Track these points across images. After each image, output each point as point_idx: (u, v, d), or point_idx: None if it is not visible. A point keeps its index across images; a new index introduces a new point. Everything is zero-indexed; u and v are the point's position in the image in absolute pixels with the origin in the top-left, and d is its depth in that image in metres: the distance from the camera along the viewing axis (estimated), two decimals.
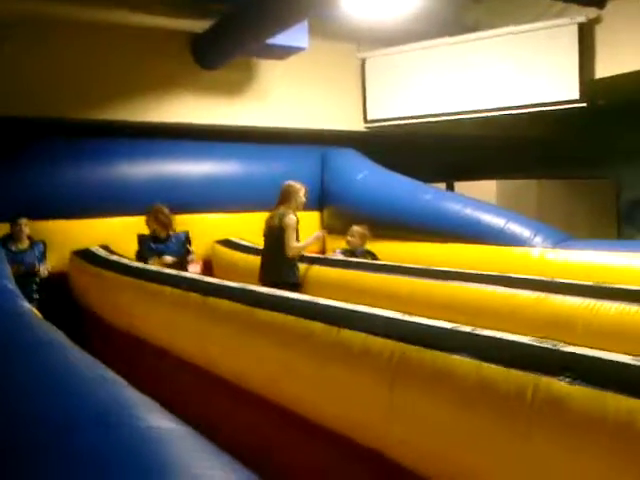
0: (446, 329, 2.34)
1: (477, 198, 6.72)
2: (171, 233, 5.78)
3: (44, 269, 5.58)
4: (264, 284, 4.58)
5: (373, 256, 5.88)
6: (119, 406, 1.58)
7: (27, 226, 5.62)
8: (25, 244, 5.61)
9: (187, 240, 5.94)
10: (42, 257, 5.67)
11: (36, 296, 5.41)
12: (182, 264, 5.60)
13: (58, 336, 2.53)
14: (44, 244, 5.73)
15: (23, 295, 4.76)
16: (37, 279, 5.50)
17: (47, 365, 2.02)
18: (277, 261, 5.04)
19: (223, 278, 4.46)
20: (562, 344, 2.09)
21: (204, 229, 6.79)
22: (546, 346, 2.08)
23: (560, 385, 1.88)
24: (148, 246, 5.65)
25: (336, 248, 6.23)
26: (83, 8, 5.70)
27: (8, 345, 2.33)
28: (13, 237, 5.58)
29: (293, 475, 2.90)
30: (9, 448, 1.35)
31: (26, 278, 5.35)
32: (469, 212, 6.30)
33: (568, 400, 1.85)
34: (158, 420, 1.48)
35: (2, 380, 1.86)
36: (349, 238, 5.87)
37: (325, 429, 2.62)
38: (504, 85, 7.30)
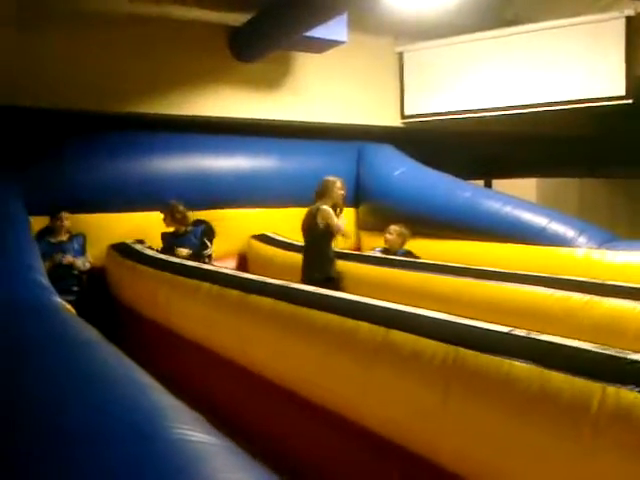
0: (502, 333, 2.24)
1: (516, 196, 6.56)
2: (189, 228, 6.00)
3: (83, 262, 5.58)
4: (303, 281, 4.57)
5: (413, 257, 5.76)
6: (152, 415, 1.53)
7: (68, 220, 5.63)
8: (64, 237, 5.63)
9: (203, 234, 6.06)
10: (82, 250, 5.68)
11: (75, 289, 5.42)
12: (198, 256, 5.70)
13: (90, 334, 2.50)
14: (84, 237, 5.75)
15: (62, 287, 4.81)
16: (76, 272, 5.51)
17: (78, 366, 1.99)
18: (314, 256, 5.03)
19: (258, 273, 4.42)
20: (629, 352, 1.98)
21: (240, 224, 6.76)
22: (612, 353, 1.97)
23: (629, 395, 1.78)
24: (169, 242, 5.89)
25: (374, 247, 6.13)
26: (125, 2, 5.70)
27: (38, 343, 2.29)
28: (53, 230, 5.60)
29: (334, 477, 2.83)
30: (39, 456, 1.31)
31: (65, 270, 5.38)
32: (509, 210, 6.14)
33: (638, 411, 1.74)
34: (192, 431, 1.43)
35: (33, 380, 1.81)
36: (387, 236, 5.76)
37: (370, 433, 2.54)
38: (545, 80, 7.11)
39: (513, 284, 4.05)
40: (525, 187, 7.37)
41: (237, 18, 6.39)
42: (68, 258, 5.45)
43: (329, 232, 5.01)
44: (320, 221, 4.97)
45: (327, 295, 3.14)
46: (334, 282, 4.86)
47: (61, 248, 5.50)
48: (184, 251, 5.69)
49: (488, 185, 8.06)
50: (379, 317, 2.60)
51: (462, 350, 2.17)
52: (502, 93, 7.31)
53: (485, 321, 2.42)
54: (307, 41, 6.48)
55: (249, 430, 3.22)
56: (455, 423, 2.13)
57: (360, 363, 2.57)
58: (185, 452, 1.31)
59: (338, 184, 5.18)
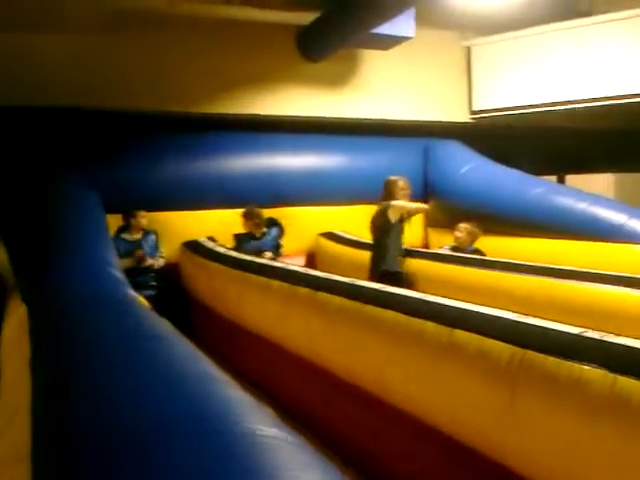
0: (572, 334, 2.20)
1: (592, 192, 6.35)
2: (265, 231, 6.21)
3: (157, 259, 5.78)
4: (371, 276, 4.66)
5: (481, 255, 5.67)
6: (223, 409, 1.58)
7: (145, 218, 5.80)
8: (139, 234, 5.82)
9: (279, 236, 6.29)
10: (155, 246, 5.87)
11: (153, 283, 5.62)
12: (276, 259, 5.86)
13: (160, 326, 2.60)
14: (156, 234, 5.92)
15: (141, 283, 5.03)
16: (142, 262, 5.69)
17: (151, 358, 2.06)
18: (382, 250, 5.09)
19: (326, 271, 4.46)
20: None
21: (307, 222, 6.85)
22: None
23: None
24: (247, 244, 6.00)
25: (442, 245, 6.08)
26: (195, 5, 5.87)
27: (114, 335, 2.40)
28: (128, 227, 5.81)
29: (399, 475, 2.85)
30: (114, 446, 1.38)
31: (143, 267, 5.60)
32: (584, 207, 5.96)
33: None
34: (262, 425, 1.47)
35: (108, 371, 1.91)
36: (457, 234, 5.68)
37: (436, 431, 2.56)
38: (622, 72, 6.84)
39: (589, 283, 3.95)
40: (601, 183, 7.12)
41: (304, 17, 6.47)
42: (147, 260, 5.64)
43: (400, 227, 5.09)
44: (392, 216, 5.05)
45: (394, 293, 3.15)
46: (399, 277, 4.91)
47: (138, 246, 5.69)
48: (268, 254, 5.91)
49: (561, 181, 7.83)
50: (444, 316, 2.60)
51: (529, 352, 2.15)
52: (575, 86, 7.08)
53: (557, 322, 2.39)
54: (374, 38, 6.49)
55: (318, 425, 3.29)
56: (521, 425, 2.12)
57: (426, 362, 2.59)
58: (254, 447, 1.35)
59: (400, 184, 5.22)
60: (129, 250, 5.60)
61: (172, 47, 6.30)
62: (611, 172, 7.22)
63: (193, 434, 1.39)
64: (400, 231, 5.14)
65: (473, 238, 5.64)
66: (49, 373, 1.99)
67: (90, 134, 6.20)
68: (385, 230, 5.10)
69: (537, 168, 7.28)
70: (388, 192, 5.23)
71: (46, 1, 4.97)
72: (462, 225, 5.67)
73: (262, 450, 1.34)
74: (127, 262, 5.40)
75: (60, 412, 1.64)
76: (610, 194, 6.89)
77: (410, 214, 5.23)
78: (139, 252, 5.59)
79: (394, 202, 5.11)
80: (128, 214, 5.76)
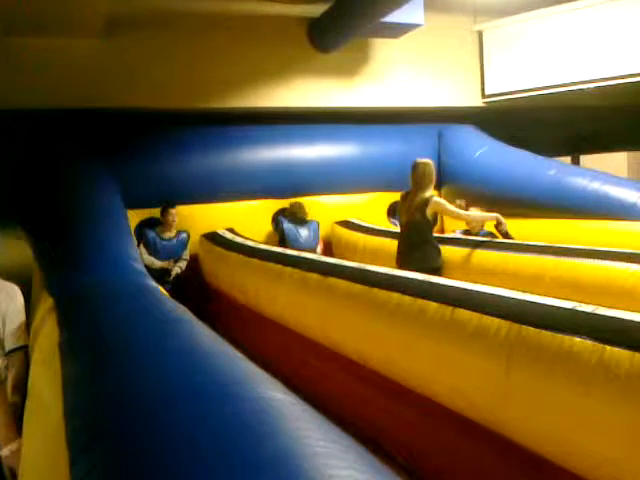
0: (565, 309, 2.29)
1: (606, 172, 6.34)
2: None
3: (178, 266, 5.95)
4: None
5: (494, 237, 5.73)
6: (240, 379, 1.70)
7: (173, 215, 5.94)
8: (172, 233, 5.99)
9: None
10: (184, 247, 6.04)
11: (168, 279, 5.81)
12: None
13: (182, 312, 2.74)
14: (188, 235, 6.08)
15: (160, 276, 5.19)
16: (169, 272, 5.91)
17: (169, 340, 2.20)
18: (422, 247, 4.82)
19: (343, 259, 4.57)
20: None
21: (323, 211, 6.95)
22: None
23: None
24: (290, 231, 6.38)
25: (454, 229, 6.15)
26: (207, 1, 5.99)
27: (132, 323, 2.55)
28: (160, 223, 5.99)
29: (406, 448, 2.97)
30: (141, 413, 1.51)
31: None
32: (597, 186, 5.98)
33: None
34: (275, 392, 1.58)
35: (126, 355, 2.05)
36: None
37: (440, 405, 2.67)
38: (634, 50, 6.78)
39: (601, 261, 3.98)
40: (615, 162, 7.10)
41: (315, 9, 6.56)
42: (175, 270, 5.87)
43: (435, 221, 4.90)
44: (430, 212, 4.77)
45: (398, 276, 3.26)
46: (440, 271, 4.74)
47: (169, 246, 5.91)
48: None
49: (576, 161, 7.81)
50: (446, 296, 2.71)
51: (525, 327, 2.25)
52: (587, 66, 7.04)
53: (553, 297, 2.47)
54: (384, 27, 6.54)
55: (329, 404, 3.41)
56: (517, 395, 2.22)
57: (430, 340, 2.69)
58: (272, 409, 1.47)
59: (433, 165, 4.95)
60: (159, 247, 5.84)
61: (186, 45, 6.42)
62: (625, 151, 7.18)
63: (215, 399, 1.51)
64: (434, 224, 4.92)
65: (484, 222, 5.70)
66: (81, 358, 2.14)
67: (113, 131, 6.38)
68: (424, 228, 4.82)
69: (551, 149, 7.29)
70: (423, 176, 4.82)
71: (68, 5, 5.13)
72: (472, 209, 5.73)
73: (278, 411, 1.45)
74: (157, 264, 5.72)
75: (94, 387, 1.80)
76: (624, 173, 6.86)
77: (452, 217, 5.02)
78: (170, 264, 5.83)
79: (437, 200, 4.83)
80: (163, 210, 5.94)
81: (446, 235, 6.31)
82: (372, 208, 7.17)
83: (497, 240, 5.41)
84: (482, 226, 5.72)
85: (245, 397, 1.54)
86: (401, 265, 4.87)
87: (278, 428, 1.37)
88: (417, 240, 4.84)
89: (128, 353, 2.07)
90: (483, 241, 5.29)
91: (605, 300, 2.64)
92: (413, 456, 2.83)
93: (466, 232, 5.75)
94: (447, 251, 5.13)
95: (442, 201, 4.93)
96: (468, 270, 4.66)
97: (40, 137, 5.86)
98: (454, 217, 5.07)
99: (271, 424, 1.39)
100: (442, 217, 7.34)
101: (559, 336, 2.14)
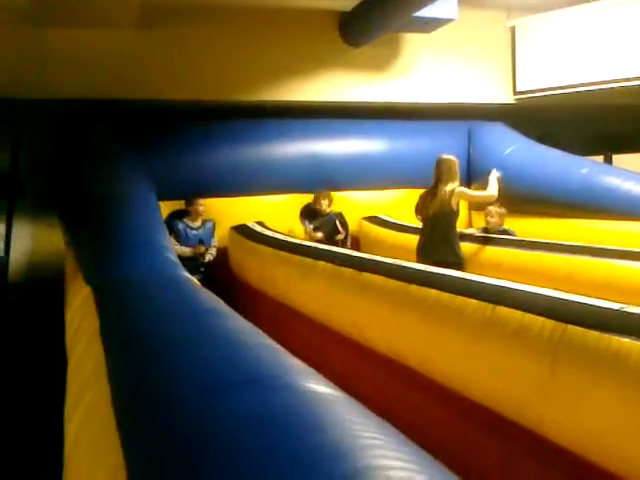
0: (612, 310, 2.25)
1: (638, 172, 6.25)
2: (329, 211, 6.50)
3: (213, 254, 6.02)
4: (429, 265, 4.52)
5: (511, 235, 5.68)
6: (279, 370, 1.69)
7: (202, 205, 6.07)
8: (199, 222, 6.10)
9: (337, 219, 6.46)
10: (211, 235, 6.13)
11: (202, 269, 5.87)
12: (332, 241, 6.04)
13: (218, 303, 2.75)
14: (214, 223, 6.18)
15: (191, 267, 5.23)
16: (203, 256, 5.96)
17: (209, 330, 2.20)
18: (446, 241, 4.90)
19: (370, 253, 4.56)
20: None
21: (351, 206, 6.93)
22: None
23: None
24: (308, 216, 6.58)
25: (473, 228, 6.13)
26: None
27: (171, 311, 2.57)
28: (188, 213, 6.07)
29: (440, 448, 2.95)
30: (174, 402, 1.51)
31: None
32: (630, 187, 5.90)
33: None
34: (315, 384, 1.56)
35: (168, 343, 2.06)
36: (489, 219, 5.70)
37: (478, 405, 2.64)
38: None
39: (635, 263, 3.94)
40: None
41: (346, 3, 6.53)
42: (208, 256, 5.94)
43: (457, 214, 4.96)
44: (454, 203, 4.86)
45: (436, 273, 3.24)
46: (462, 266, 4.74)
47: (198, 235, 5.99)
48: (319, 235, 6.28)
49: (608, 161, 7.71)
50: (486, 293, 2.68)
51: (570, 327, 2.22)
52: (622, 63, 6.93)
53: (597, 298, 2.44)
54: (416, 21, 6.50)
55: (360, 401, 3.41)
56: (561, 397, 2.19)
57: (469, 338, 2.67)
58: (320, 402, 1.46)
59: (457, 162, 5.05)
60: (190, 236, 5.93)
61: (219, 38, 6.46)
62: None
63: (252, 392, 1.50)
64: (457, 218, 5.00)
65: (502, 220, 5.67)
66: (121, 342, 2.16)
67: (146, 123, 6.43)
68: (448, 217, 4.90)
69: (583, 148, 7.19)
70: (448, 172, 4.93)
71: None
72: (492, 209, 5.69)
73: (318, 403, 1.44)
74: (187, 251, 5.77)
75: (136, 372, 1.81)
76: None
77: (479, 203, 5.02)
78: (201, 248, 5.88)
79: (460, 189, 4.92)
80: (189, 201, 6.03)
81: (468, 231, 6.27)
82: (400, 204, 7.12)
83: (525, 239, 5.36)
84: (501, 224, 5.69)
85: (292, 388, 1.53)
86: (421, 258, 4.95)
87: (329, 420, 1.35)
88: (440, 234, 4.92)
89: (171, 343, 2.09)
90: (509, 239, 5.27)
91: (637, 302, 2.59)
92: (450, 456, 2.81)
93: (484, 230, 5.70)
94: (471, 248, 5.11)
95: (464, 189, 5.08)
96: (494, 268, 4.60)
97: (75, 127, 5.93)
98: (476, 199, 5.31)
99: (321, 416, 1.37)
100: (470, 213, 7.33)
101: (606, 337, 2.10)
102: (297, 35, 6.75)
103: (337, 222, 6.44)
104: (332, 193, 6.70)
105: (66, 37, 5.82)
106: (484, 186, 6.70)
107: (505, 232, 5.66)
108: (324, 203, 6.47)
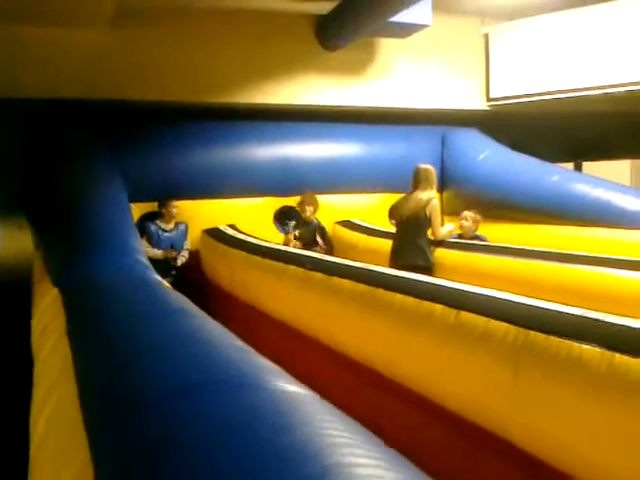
0: (574, 315, 2.28)
1: (609, 179, 6.36)
2: (312, 218, 6.29)
3: (183, 254, 5.99)
4: (399, 268, 4.53)
5: (482, 241, 5.75)
6: (248, 370, 1.69)
7: (176, 208, 6.03)
8: (172, 224, 6.05)
9: (319, 230, 6.28)
10: (184, 237, 6.09)
11: (173, 272, 5.82)
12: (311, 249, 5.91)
13: (187, 305, 2.74)
14: (186, 226, 6.14)
15: (162, 270, 5.19)
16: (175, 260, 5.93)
17: (179, 331, 2.20)
18: (417, 245, 5.02)
19: (343, 258, 4.56)
20: None
21: (324, 210, 6.91)
22: None
23: None
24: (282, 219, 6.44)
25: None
26: None
27: (140, 312, 2.55)
28: (161, 215, 6.03)
29: (409, 451, 2.96)
30: (141, 403, 1.51)
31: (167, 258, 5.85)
32: (600, 194, 6.00)
33: None
34: (284, 384, 1.57)
35: (137, 344, 2.05)
36: (464, 223, 5.76)
37: (443, 408, 2.66)
38: None
39: (601, 268, 3.99)
40: (618, 170, 7.11)
41: (323, 7, 6.54)
42: (180, 259, 5.91)
43: (429, 222, 5.07)
44: (427, 212, 5.00)
45: (403, 277, 3.26)
46: (432, 270, 4.90)
47: (170, 238, 5.95)
48: (298, 244, 6.02)
49: (578, 168, 7.83)
50: (451, 298, 2.70)
51: (532, 332, 2.24)
52: (594, 72, 7.05)
53: (560, 304, 2.47)
54: (391, 26, 6.55)
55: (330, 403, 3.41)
56: (524, 401, 2.21)
57: (434, 342, 2.69)
58: (288, 401, 1.46)
59: (434, 171, 5.21)
60: (162, 238, 5.90)
61: (193, 39, 6.42)
62: (629, 158, 7.19)
63: (226, 390, 1.50)
64: (429, 224, 5.11)
65: (477, 226, 5.73)
66: (89, 343, 2.14)
67: (117, 123, 6.36)
68: (420, 222, 5.03)
69: (554, 155, 7.30)
70: (426, 181, 5.11)
71: None
72: (468, 213, 5.75)
73: (289, 404, 1.44)
74: (159, 254, 5.74)
75: (104, 372, 1.80)
76: (627, 181, 6.87)
77: (433, 226, 5.09)
78: (173, 252, 5.86)
79: (435, 202, 5.05)
80: (162, 203, 5.99)
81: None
82: (373, 208, 7.16)
83: (496, 244, 5.43)
84: (474, 230, 5.74)
85: (260, 388, 1.53)
86: (393, 261, 5.06)
87: (297, 418, 1.36)
88: (412, 238, 5.03)
89: (139, 343, 2.07)
90: (481, 245, 5.32)
91: (606, 307, 2.63)
92: (416, 457, 2.82)
93: (459, 236, 5.75)
94: (443, 253, 5.16)
95: (437, 209, 5.10)
96: (464, 273, 4.65)
97: (45, 128, 5.84)
98: (434, 223, 5.11)
99: (289, 415, 1.38)
100: (443, 221, 7.37)
101: (568, 342, 2.13)
102: (273, 38, 6.75)
103: (317, 234, 6.24)
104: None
105: (38, 36, 5.74)
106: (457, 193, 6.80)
107: (477, 237, 5.73)
108: (309, 209, 6.23)
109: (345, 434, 1.29)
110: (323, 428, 1.30)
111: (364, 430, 1.40)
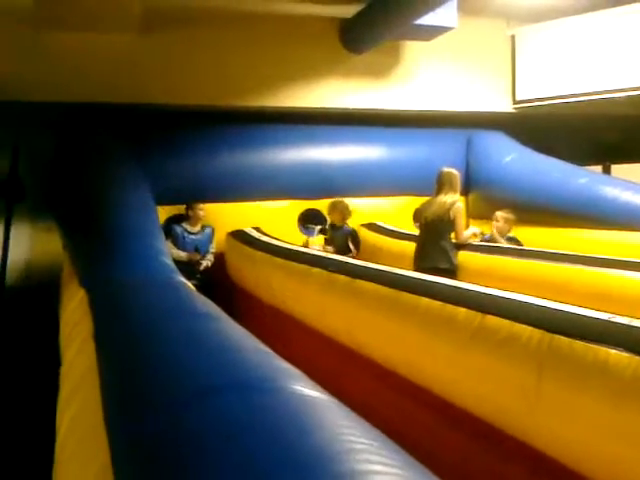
0: (600, 319, 2.26)
1: (638, 182, 6.26)
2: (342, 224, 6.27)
3: (208, 257, 6.05)
4: (422, 271, 4.49)
5: (517, 243, 5.69)
6: (269, 373, 1.70)
7: (202, 210, 6.09)
8: (198, 227, 6.12)
9: (350, 236, 6.23)
10: (210, 240, 6.16)
11: (198, 276, 5.87)
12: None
13: (211, 307, 2.76)
14: (213, 229, 6.20)
15: (188, 273, 5.25)
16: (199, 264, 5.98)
17: (201, 334, 2.22)
18: (441, 247, 5.03)
19: (367, 261, 4.57)
20: None
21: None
22: None
23: None
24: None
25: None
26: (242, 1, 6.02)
27: (164, 315, 2.58)
28: (188, 218, 6.09)
29: (430, 455, 2.94)
30: (162, 404, 1.53)
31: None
32: (629, 197, 5.91)
33: None
34: (303, 388, 1.57)
35: (159, 347, 2.07)
36: (495, 224, 5.71)
37: (465, 412, 2.65)
38: None
39: (632, 273, 3.93)
40: None
41: (348, 10, 6.55)
42: (204, 263, 5.96)
43: (453, 225, 5.08)
44: (452, 215, 5.01)
45: (427, 281, 3.25)
46: (455, 273, 4.89)
47: (196, 240, 6.01)
48: (330, 249, 6.01)
49: (607, 171, 7.71)
50: (476, 302, 2.68)
51: (557, 336, 2.22)
52: (622, 74, 6.95)
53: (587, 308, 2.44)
54: (416, 29, 6.53)
55: (352, 407, 3.41)
56: (548, 405, 2.19)
57: (458, 346, 2.67)
58: (308, 405, 1.47)
59: (458, 175, 5.21)
60: (188, 241, 5.95)
61: (220, 43, 6.48)
62: None
63: (252, 394, 1.51)
64: (453, 227, 5.13)
65: (510, 226, 5.67)
66: (114, 345, 2.17)
67: (145, 127, 6.45)
68: (445, 225, 5.05)
69: (582, 158, 7.20)
70: (449, 184, 5.13)
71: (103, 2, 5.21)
72: (499, 214, 5.70)
73: (308, 408, 1.45)
74: (183, 255, 5.79)
75: (127, 374, 1.83)
76: None
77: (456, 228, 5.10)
78: (197, 256, 5.90)
79: (459, 205, 5.07)
80: (189, 205, 6.05)
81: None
82: (398, 211, 7.14)
83: (521, 247, 5.38)
84: (508, 230, 5.69)
85: (280, 392, 1.54)
86: (417, 264, 5.07)
87: (315, 423, 1.37)
88: (435, 241, 5.04)
89: (162, 346, 2.10)
90: (506, 248, 5.28)
91: (635, 312, 2.59)
92: (439, 463, 2.81)
93: (490, 238, 5.70)
94: (467, 256, 5.13)
95: (461, 212, 5.11)
96: (488, 276, 4.61)
97: (74, 131, 5.95)
98: (458, 228, 5.12)
99: (308, 419, 1.39)
100: (468, 224, 7.33)
101: (593, 347, 2.10)
102: (298, 41, 6.77)
103: (349, 240, 6.19)
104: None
105: (67, 41, 5.85)
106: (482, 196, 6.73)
107: (511, 240, 5.65)
108: (339, 218, 6.24)
109: (362, 440, 1.29)
110: (340, 433, 1.30)
111: (382, 436, 1.40)
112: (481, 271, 4.89)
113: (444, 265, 4.92)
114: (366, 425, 1.45)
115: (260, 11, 6.38)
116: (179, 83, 6.38)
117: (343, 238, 6.19)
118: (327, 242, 6.21)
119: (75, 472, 1.55)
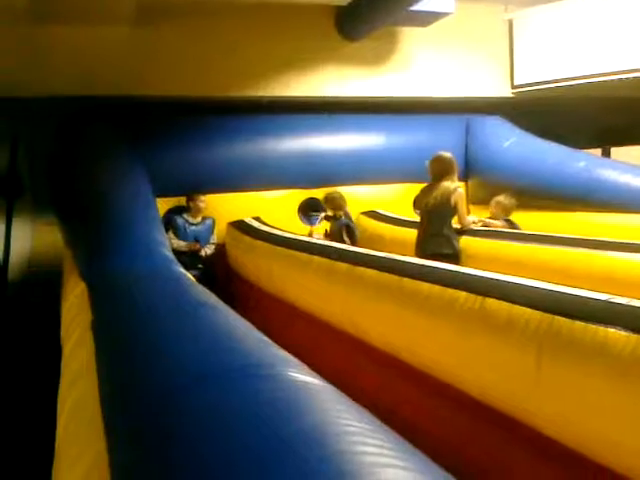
0: (598, 300, 2.26)
1: (637, 165, 6.26)
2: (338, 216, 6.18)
3: (208, 247, 6.09)
4: (425, 257, 4.46)
5: (512, 225, 5.68)
6: (264, 360, 1.73)
7: (203, 202, 6.12)
8: (199, 218, 6.15)
9: (345, 228, 6.12)
10: (210, 231, 6.20)
11: (200, 266, 5.91)
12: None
13: (209, 297, 2.78)
14: (213, 220, 6.24)
15: (188, 264, 5.26)
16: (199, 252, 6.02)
17: (198, 323, 2.25)
18: (443, 233, 5.01)
19: (368, 249, 4.57)
20: None
21: (349, 201, 6.89)
22: None
23: None
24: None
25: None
26: None
27: (162, 306, 2.60)
28: (188, 209, 6.12)
29: (434, 440, 2.97)
30: (158, 392, 1.56)
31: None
32: (629, 179, 5.90)
33: None
34: (298, 374, 1.60)
35: (157, 337, 2.10)
36: (492, 210, 5.72)
37: (467, 395, 2.67)
38: None
39: (632, 254, 3.94)
40: None
41: None
42: (205, 250, 5.99)
43: (455, 210, 5.06)
44: (453, 201, 4.98)
45: (427, 266, 3.26)
46: (459, 258, 4.90)
47: (196, 231, 6.04)
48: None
49: (606, 154, 7.69)
50: (476, 286, 2.69)
51: (557, 318, 2.23)
52: (620, 56, 6.91)
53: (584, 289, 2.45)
54: (413, 15, 6.50)
55: (353, 394, 3.43)
56: (548, 387, 2.20)
57: (459, 330, 2.69)
58: (302, 391, 1.50)
59: (455, 159, 5.17)
60: (188, 232, 5.99)
61: (215, 34, 6.46)
62: None
63: (246, 381, 1.54)
64: (455, 213, 5.10)
65: (506, 211, 5.65)
66: (112, 337, 2.19)
67: (143, 119, 6.45)
68: (446, 211, 5.02)
69: (581, 141, 7.19)
70: (447, 170, 5.07)
71: None
72: (495, 199, 5.71)
73: (303, 391, 1.48)
74: (182, 245, 5.83)
75: (124, 365, 1.84)
76: None
77: (458, 214, 5.08)
78: (196, 246, 5.94)
79: (461, 191, 5.06)
80: (190, 197, 6.08)
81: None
82: (398, 198, 7.14)
83: (522, 232, 5.37)
84: (505, 215, 5.68)
85: (275, 378, 1.56)
86: (419, 250, 5.07)
87: (308, 408, 1.39)
88: (437, 226, 5.02)
89: (159, 335, 2.12)
90: (508, 232, 5.27)
91: (635, 294, 2.59)
92: (442, 447, 2.83)
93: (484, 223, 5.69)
94: (469, 241, 5.12)
95: (462, 197, 5.11)
96: (490, 261, 4.62)
97: (72, 124, 5.94)
98: (460, 212, 5.10)
99: (301, 404, 1.41)
100: (469, 209, 7.32)
101: (592, 327, 2.11)
102: (293, 30, 6.75)
103: (343, 231, 6.05)
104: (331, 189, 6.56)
105: (64, 34, 5.84)
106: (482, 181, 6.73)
107: (508, 222, 5.65)
108: (333, 211, 6.15)
109: (355, 423, 1.31)
110: (334, 417, 1.33)
111: (375, 420, 1.43)
112: (483, 256, 4.89)
113: (447, 250, 4.92)
114: (360, 409, 1.48)
115: (256, 0, 6.35)
116: (176, 75, 6.36)
117: (338, 230, 6.16)
118: (325, 234, 6.18)
119: (73, 460, 1.57)
